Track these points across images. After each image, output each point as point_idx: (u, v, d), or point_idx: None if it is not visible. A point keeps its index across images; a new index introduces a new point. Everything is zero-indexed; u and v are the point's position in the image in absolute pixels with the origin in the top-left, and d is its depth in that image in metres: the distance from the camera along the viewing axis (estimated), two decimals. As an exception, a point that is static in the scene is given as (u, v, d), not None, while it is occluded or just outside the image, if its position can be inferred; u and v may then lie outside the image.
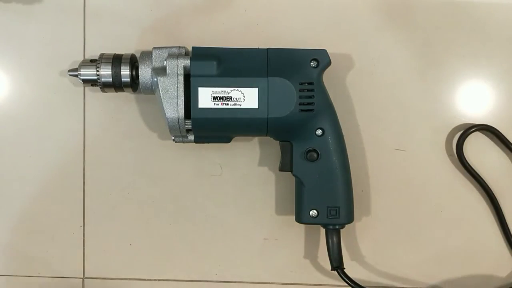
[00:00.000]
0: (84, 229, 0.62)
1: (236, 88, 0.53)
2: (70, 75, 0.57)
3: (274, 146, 0.59)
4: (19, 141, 0.62)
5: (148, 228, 0.62)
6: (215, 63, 0.53)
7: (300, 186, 0.56)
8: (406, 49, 0.60)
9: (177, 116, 0.54)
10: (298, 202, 0.57)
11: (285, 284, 0.62)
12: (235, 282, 0.62)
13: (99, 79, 0.56)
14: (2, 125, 0.62)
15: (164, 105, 0.54)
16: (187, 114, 0.54)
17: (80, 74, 0.56)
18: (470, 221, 0.61)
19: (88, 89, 0.61)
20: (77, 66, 0.57)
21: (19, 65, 0.61)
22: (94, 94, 0.61)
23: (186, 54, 0.55)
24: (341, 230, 0.57)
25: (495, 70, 0.60)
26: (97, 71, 0.56)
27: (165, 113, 0.54)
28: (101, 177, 0.62)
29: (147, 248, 0.62)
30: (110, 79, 0.56)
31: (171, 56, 0.54)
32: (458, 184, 0.60)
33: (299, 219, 0.57)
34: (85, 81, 0.57)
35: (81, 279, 0.62)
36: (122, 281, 0.62)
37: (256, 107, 0.53)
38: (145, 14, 0.61)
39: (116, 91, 0.57)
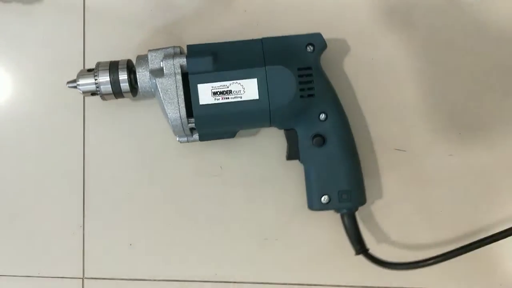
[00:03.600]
0: (84, 229, 0.62)
1: (235, 81, 0.53)
2: (69, 86, 0.56)
3: (274, 146, 0.59)
4: (19, 141, 0.62)
5: (148, 228, 0.62)
6: (211, 58, 0.53)
7: (309, 173, 0.56)
8: (406, 49, 0.60)
9: (179, 115, 0.54)
10: (309, 189, 0.56)
11: (285, 284, 0.62)
12: (235, 282, 0.62)
13: (98, 87, 0.55)
14: (2, 125, 0.62)
15: (165, 106, 0.54)
16: (189, 112, 0.54)
17: (79, 85, 0.55)
18: (470, 220, 0.61)
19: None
20: (75, 77, 0.56)
21: (19, 66, 0.61)
22: (94, 94, 0.61)
23: (182, 53, 0.55)
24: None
25: (495, 70, 0.60)
26: (95, 79, 0.55)
27: (167, 114, 0.54)
28: (101, 177, 0.62)
29: (147, 248, 0.62)
30: (109, 86, 0.55)
31: (167, 56, 0.54)
32: (458, 183, 0.60)
33: (311, 206, 0.56)
34: (85, 92, 0.56)
35: (81, 279, 0.62)
36: (122, 281, 0.62)
37: (257, 97, 0.53)
38: (145, 15, 0.61)
39: (116, 98, 0.57)
